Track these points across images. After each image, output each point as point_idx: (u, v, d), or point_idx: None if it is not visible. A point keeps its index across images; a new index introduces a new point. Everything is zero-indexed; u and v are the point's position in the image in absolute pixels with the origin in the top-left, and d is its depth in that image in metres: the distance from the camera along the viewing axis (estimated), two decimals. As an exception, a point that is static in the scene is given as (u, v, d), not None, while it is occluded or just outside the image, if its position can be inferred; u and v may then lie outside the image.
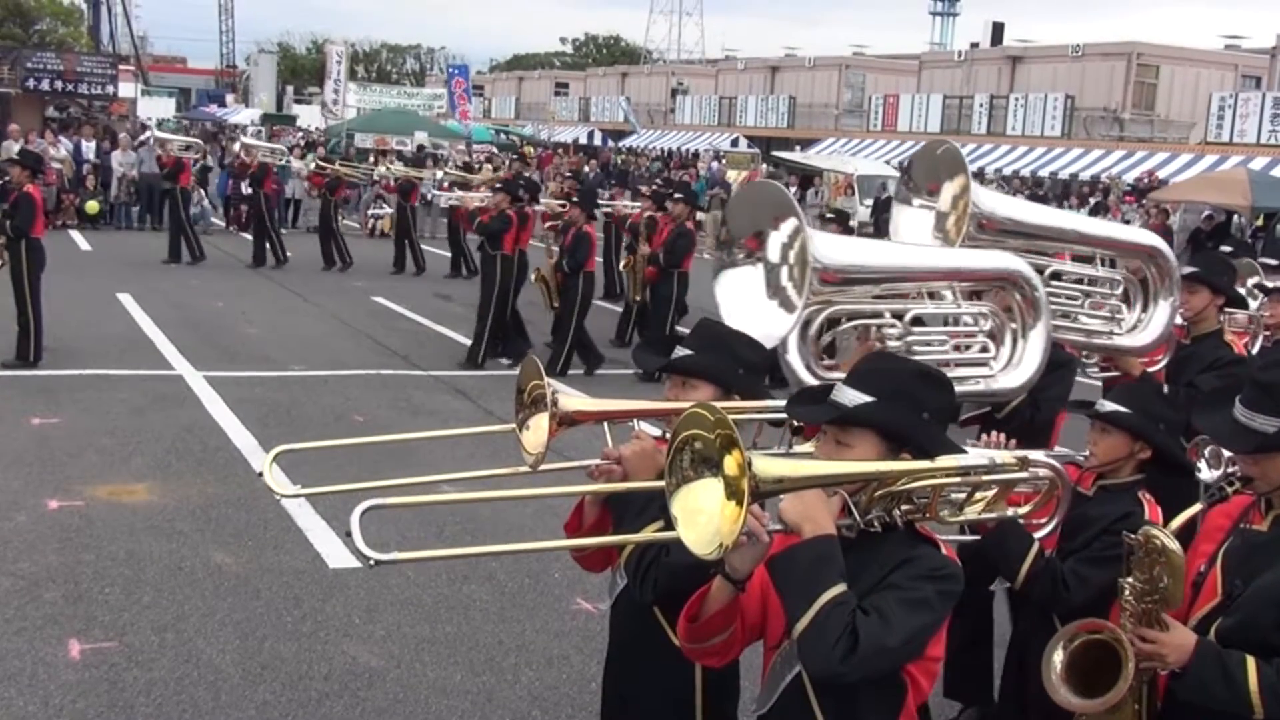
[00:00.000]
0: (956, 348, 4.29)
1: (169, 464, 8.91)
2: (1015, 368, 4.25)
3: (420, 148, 32.62)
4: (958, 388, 4.08)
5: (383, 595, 6.69)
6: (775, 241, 3.99)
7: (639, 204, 16.15)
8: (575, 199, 13.74)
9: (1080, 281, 4.99)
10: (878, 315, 4.15)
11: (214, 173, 27.50)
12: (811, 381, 4.11)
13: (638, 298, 14.37)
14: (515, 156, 29.88)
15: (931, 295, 4.27)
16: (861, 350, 4.16)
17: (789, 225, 3.95)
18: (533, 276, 13.62)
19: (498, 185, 14.37)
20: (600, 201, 16.73)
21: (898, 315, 4.14)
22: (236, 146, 25.16)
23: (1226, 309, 6.00)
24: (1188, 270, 5.68)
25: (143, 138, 26.84)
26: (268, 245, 20.31)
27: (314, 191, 25.15)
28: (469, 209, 14.12)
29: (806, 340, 4.14)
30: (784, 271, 3.97)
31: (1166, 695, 3.27)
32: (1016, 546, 3.69)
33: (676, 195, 14.39)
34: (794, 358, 4.16)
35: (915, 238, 4.72)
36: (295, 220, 26.39)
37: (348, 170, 23.18)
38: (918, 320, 4.17)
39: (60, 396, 10.63)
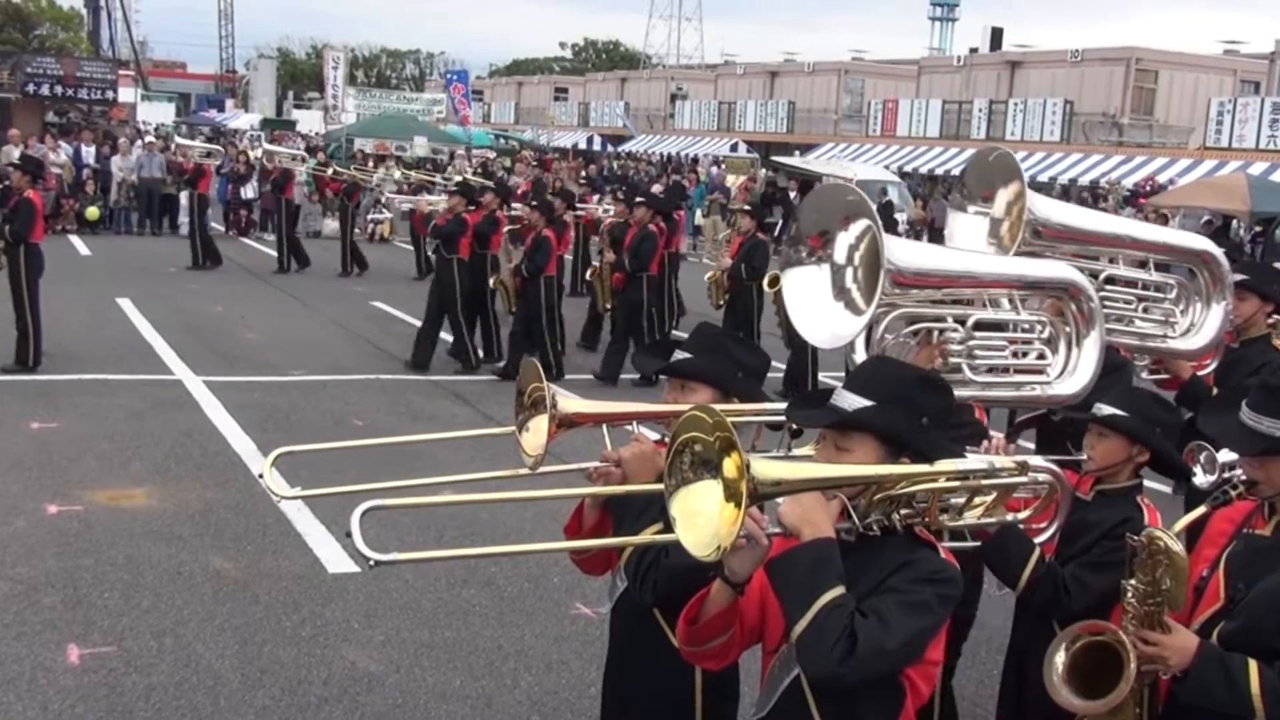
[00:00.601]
0: (1014, 354, 4.35)
1: (168, 469, 8.91)
2: (1070, 375, 4.31)
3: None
4: (1016, 393, 4.15)
5: (382, 600, 6.69)
6: (843, 242, 4.03)
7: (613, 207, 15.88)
8: (535, 203, 13.43)
9: (1134, 286, 5.05)
10: (939, 319, 4.20)
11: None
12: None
13: (607, 305, 14.08)
14: (507, 167, 29.91)
15: (987, 302, 4.33)
16: (923, 354, 4.22)
17: (859, 226, 3.99)
18: (492, 281, 13.48)
19: (453, 189, 14.23)
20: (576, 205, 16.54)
21: (959, 320, 4.20)
22: (259, 153, 25.19)
23: (1278, 313, 6.12)
24: (1238, 278, 5.75)
25: (140, 145, 26.85)
26: (289, 250, 20.50)
27: (315, 197, 25.20)
28: (424, 213, 14.00)
29: (871, 343, 4.19)
30: (849, 273, 4.01)
31: (1168, 699, 3.27)
32: (1017, 552, 3.69)
33: (639, 199, 14.11)
34: (860, 358, 4.22)
35: (970, 243, 4.79)
36: (295, 225, 26.39)
37: (363, 176, 23.17)
38: (980, 325, 4.22)
39: (59, 401, 10.63)
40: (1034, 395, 4.24)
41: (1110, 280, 4.94)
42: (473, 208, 13.51)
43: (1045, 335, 4.31)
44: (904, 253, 3.95)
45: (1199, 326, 5.14)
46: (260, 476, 3.47)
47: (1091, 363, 4.28)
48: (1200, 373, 5.76)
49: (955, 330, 4.15)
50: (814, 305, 4.03)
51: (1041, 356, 4.32)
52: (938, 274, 4.16)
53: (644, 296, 13.18)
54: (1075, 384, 4.29)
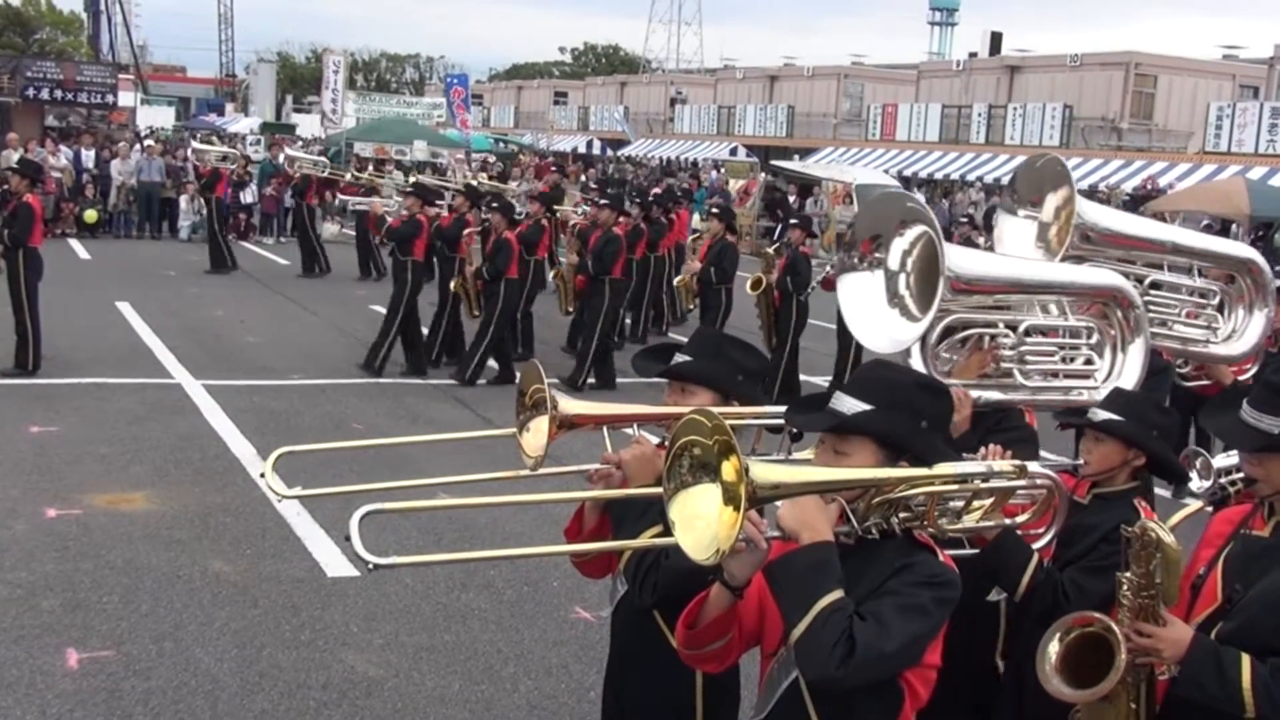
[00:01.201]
0: (1062, 359, 4.42)
1: (167, 472, 8.91)
2: (1116, 380, 4.39)
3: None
4: (1064, 398, 4.22)
5: (381, 604, 6.69)
6: (897, 248, 4.10)
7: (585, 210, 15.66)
8: (496, 205, 13.21)
9: (1178, 291, 5.12)
10: (991, 325, 4.28)
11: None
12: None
13: (570, 309, 13.88)
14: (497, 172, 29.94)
15: (1038, 307, 4.42)
16: (974, 359, 4.29)
17: (914, 232, 4.05)
18: (452, 285, 13.36)
19: (408, 189, 14.15)
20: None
21: (1010, 326, 4.27)
22: (280, 158, 25.18)
23: None
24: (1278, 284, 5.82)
25: (140, 149, 26.86)
26: (310, 254, 20.59)
27: (315, 200, 25.20)
28: (377, 214, 13.90)
29: (927, 347, 4.24)
30: (902, 279, 4.08)
31: (1167, 699, 3.28)
32: (1016, 557, 3.69)
33: (602, 201, 13.93)
34: (916, 363, 4.29)
35: (1018, 247, 4.87)
36: (293, 229, 26.40)
37: (382, 181, 23.15)
38: (1031, 331, 4.31)
39: (59, 405, 10.63)
40: (1081, 400, 4.31)
41: (1155, 285, 5.03)
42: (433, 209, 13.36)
43: (1093, 341, 4.41)
44: (961, 259, 4.03)
45: (1241, 332, 5.22)
46: (261, 475, 3.49)
47: (1136, 368, 4.37)
48: (1240, 377, 5.81)
49: (1006, 336, 4.24)
50: (869, 311, 4.11)
51: (1089, 362, 4.41)
52: (993, 281, 4.28)
53: (606, 300, 12.87)
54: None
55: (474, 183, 19.92)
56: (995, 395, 4.27)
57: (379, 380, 12.53)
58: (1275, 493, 3.23)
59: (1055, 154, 5.16)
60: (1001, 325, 4.24)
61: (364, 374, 12.61)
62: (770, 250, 14.46)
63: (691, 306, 13.60)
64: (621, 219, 13.55)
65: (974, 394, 4.23)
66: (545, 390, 3.36)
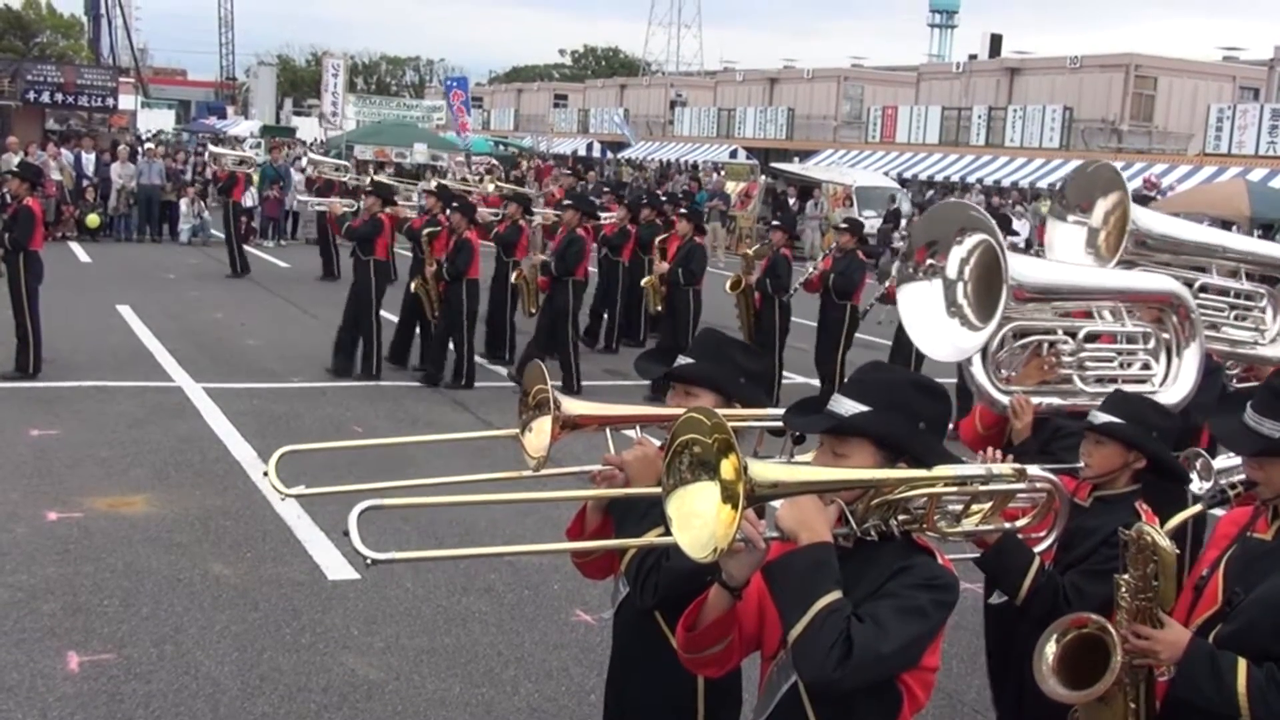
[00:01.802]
0: (1120, 365, 4.45)
1: (168, 475, 8.91)
2: (1173, 384, 4.45)
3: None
4: None
5: (381, 607, 6.69)
6: (955, 256, 4.16)
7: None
8: (456, 205, 13.07)
9: (1226, 294, 5.18)
10: (1050, 331, 4.33)
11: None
12: (997, 395, 4.30)
13: (532, 310, 13.71)
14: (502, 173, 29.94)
15: (1089, 314, 4.49)
16: (1033, 365, 4.31)
17: (972, 240, 4.11)
18: (412, 286, 13.26)
19: (369, 189, 14.07)
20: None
21: (1070, 332, 4.33)
22: (304, 163, 25.19)
23: None
24: None
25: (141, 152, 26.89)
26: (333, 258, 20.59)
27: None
28: (338, 214, 13.80)
29: (987, 355, 4.27)
30: (960, 287, 4.15)
31: (1167, 700, 3.29)
32: (1018, 561, 3.70)
33: (566, 201, 13.75)
34: (978, 371, 4.35)
35: (1069, 253, 4.95)
36: (294, 232, 26.44)
37: (406, 185, 23.13)
38: (1090, 337, 4.37)
39: (59, 408, 10.63)
40: None
41: (1204, 289, 5.10)
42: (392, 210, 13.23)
43: (1150, 345, 4.48)
44: (1024, 268, 4.10)
45: None
46: (265, 474, 3.49)
47: (1192, 372, 4.43)
48: None
49: (1065, 342, 4.30)
50: (930, 320, 4.18)
51: (1146, 366, 4.48)
52: (1054, 288, 4.35)
53: (569, 302, 12.72)
54: (1178, 393, 4.43)
55: (494, 187, 19.91)
56: (1055, 401, 4.32)
57: (379, 383, 12.53)
58: (1275, 496, 3.24)
59: (1107, 160, 5.27)
60: (1060, 331, 4.32)
61: (363, 378, 12.60)
62: (750, 251, 14.48)
63: (659, 307, 13.52)
64: (587, 220, 13.48)
65: (1034, 400, 4.27)
66: (548, 391, 3.37)
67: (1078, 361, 4.31)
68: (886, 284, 11.45)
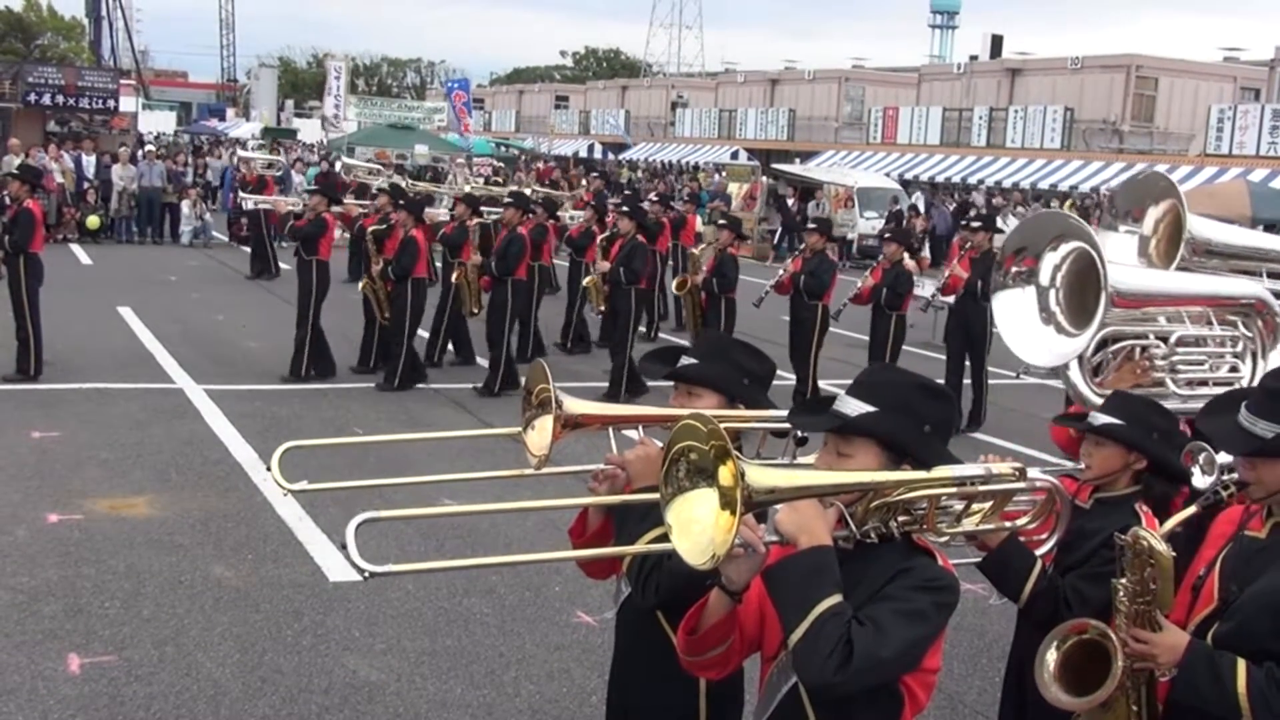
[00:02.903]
0: (1209, 368, 4.50)
1: (169, 477, 8.91)
2: None
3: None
4: None
5: (383, 609, 6.69)
6: (1048, 263, 4.26)
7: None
8: (403, 202, 12.92)
9: None
10: (1142, 336, 4.42)
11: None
12: (1094, 398, 4.36)
13: (475, 310, 13.60)
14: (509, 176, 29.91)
15: (1168, 319, 4.58)
16: (1127, 369, 4.41)
17: (1067, 247, 4.20)
18: (360, 285, 13.09)
19: (313, 188, 13.95)
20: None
21: (1161, 336, 4.42)
22: (339, 167, 25.18)
23: None
24: None
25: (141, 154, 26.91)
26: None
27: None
28: (282, 212, 13.66)
29: (1083, 359, 4.31)
30: (1053, 294, 4.26)
31: (1169, 701, 3.28)
32: (1019, 566, 3.69)
33: (507, 199, 13.62)
34: (1075, 375, 4.41)
35: (1122, 262, 5.00)
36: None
37: (433, 189, 23.13)
38: (1182, 341, 4.45)
39: (60, 410, 10.64)
40: None
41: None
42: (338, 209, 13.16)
43: (1238, 349, 4.56)
44: (1119, 275, 4.17)
45: None
46: (268, 469, 3.49)
47: None
48: None
49: (1158, 346, 4.38)
50: (1025, 327, 4.29)
51: (1234, 369, 4.57)
52: (1147, 294, 4.44)
53: (509, 302, 12.52)
54: None
55: (526, 191, 19.83)
56: None
57: (375, 384, 12.51)
58: (1267, 495, 3.25)
59: (1156, 171, 5.37)
60: (1152, 336, 4.40)
61: (359, 377, 12.58)
62: (695, 251, 14.50)
63: (602, 308, 13.40)
64: (527, 218, 13.32)
65: None
66: (551, 390, 3.37)
67: (1170, 365, 4.40)
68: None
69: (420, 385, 12.53)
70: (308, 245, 12.68)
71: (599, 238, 14.05)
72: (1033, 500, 3.32)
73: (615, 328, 12.93)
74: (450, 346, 13.94)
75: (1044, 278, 4.25)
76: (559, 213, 16.17)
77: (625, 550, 3.16)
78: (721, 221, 13.93)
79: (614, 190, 26.69)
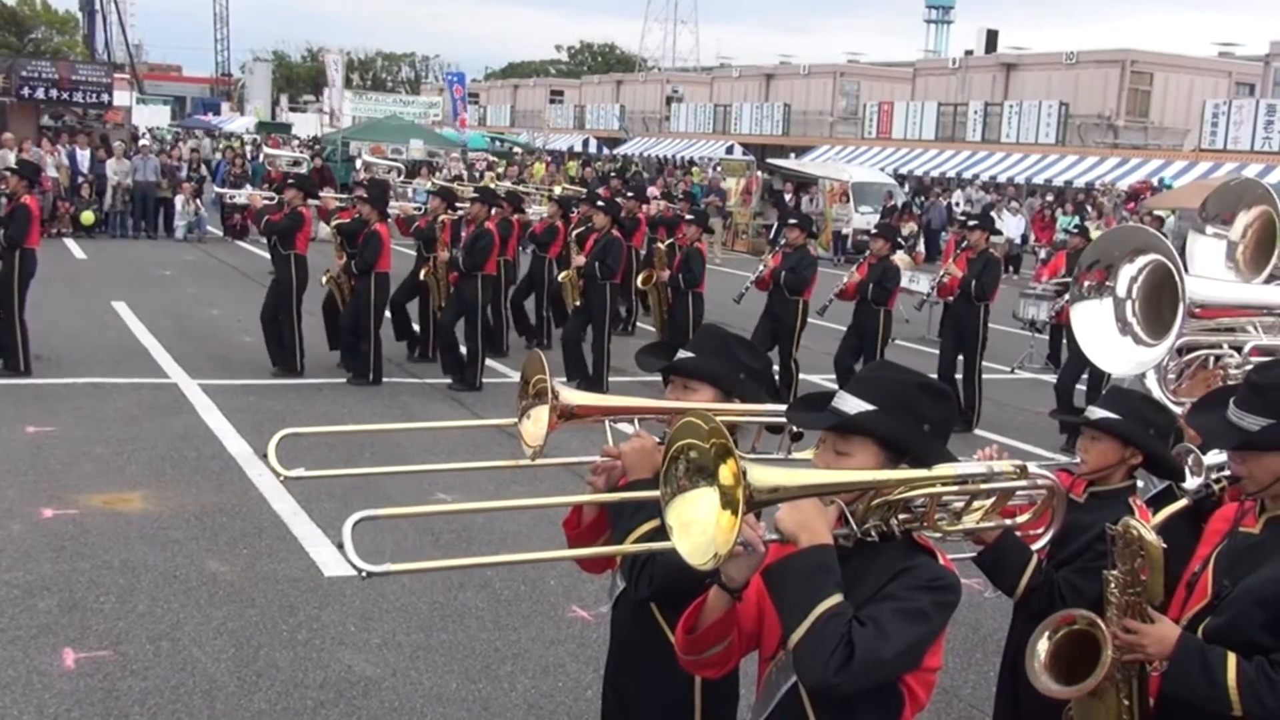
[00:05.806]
0: None
1: (164, 472, 8.90)
2: None
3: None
4: None
5: (378, 603, 6.69)
6: (1125, 275, 4.36)
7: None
8: (365, 195, 12.79)
9: None
10: (1215, 346, 4.49)
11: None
12: (1171, 407, 4.41)
13: (443, 304, 13.39)
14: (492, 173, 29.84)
15: (1231, 329, 4.64)
16: (1201, 378, 4.49)
17: (1145, 259, 4.29)
18: (323, 279, 13.08)
19: (290, 181, 13.82)
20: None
21: (1235, 346, 4.48)
22: (358, 164, 25.07)
23: None
24: None
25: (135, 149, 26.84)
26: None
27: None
28: (257, 207, 13.59)
29: (1160, 368, 4.43)
30: (1129, 306, 4.35)
31: (1161, 696, 3.29)
32: (1015, 561, 3.70)
33: (472, 194, 13.48)
34: (1152, 383, 4.46)
35: (1208, 266, 5.08)
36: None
37: (462, 189, 23.04)
38: (1256, 351, 4.49)
39: (55, 405, 10.61)
40: None
41: None
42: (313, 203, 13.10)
43: None
44: (1197, 287, 4.25)
45: None
46: (264, 457, 3.49)
47: None
48: None
49: (1231, 356, 4.43)
50: (1104, 338, 4.38)
51: None
52: (1222, 304, 4.52)
53: (478, 297, 12.40)
54: None
55: (559, 190, 19.71)
56: None
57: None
58: (1259, 490, 3.25)
59: (1250, 177, 5.46)
60: (1226, 346, 4.46)
61: (284, 375, 12.43)
62: (661, 246, 14.43)
63: (577, 303, 13.31)
64: (494, 212, 13.25)
65: None
66: (547, 380, 3.36)
67: (1243, 375, 4.44)
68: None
69: (400, 379, 12.52)
70: (284, 240, 12.61)
71: (573, 232, 13.98)
72: (1031, 496, 3.33)
73: (589, 321, 12.86)
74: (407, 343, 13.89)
75: (1121, 289, 4.36)
76: (524, 208, 16.12)
77: (624, 550, 3.15)
78: (690, 218, 13.78)
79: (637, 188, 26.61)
